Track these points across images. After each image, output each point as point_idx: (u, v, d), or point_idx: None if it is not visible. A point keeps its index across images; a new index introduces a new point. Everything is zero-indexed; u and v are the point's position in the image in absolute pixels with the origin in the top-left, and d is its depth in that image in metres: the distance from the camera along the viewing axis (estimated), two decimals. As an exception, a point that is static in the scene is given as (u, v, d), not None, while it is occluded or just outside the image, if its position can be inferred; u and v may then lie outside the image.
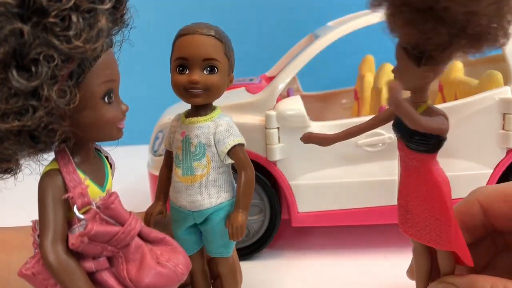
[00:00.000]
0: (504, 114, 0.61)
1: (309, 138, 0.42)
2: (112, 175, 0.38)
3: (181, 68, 0.41)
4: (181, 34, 0.41)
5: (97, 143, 0.37)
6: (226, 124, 0.43)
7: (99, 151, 0.38)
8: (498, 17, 0.31)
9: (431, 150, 0.37)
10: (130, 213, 0.35)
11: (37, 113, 0.28)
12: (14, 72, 0.27)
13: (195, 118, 0.43)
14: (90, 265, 0.33)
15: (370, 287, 0.58)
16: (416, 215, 0.39)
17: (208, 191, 0.42)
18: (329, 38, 0.66)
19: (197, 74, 0.40)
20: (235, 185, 0.44)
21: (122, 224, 0.34)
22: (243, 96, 0.67)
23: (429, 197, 0.37)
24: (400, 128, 0.38)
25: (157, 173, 0.70)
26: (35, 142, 0.30)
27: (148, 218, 0.44)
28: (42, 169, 0.33)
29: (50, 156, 0.34)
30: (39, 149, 0.31)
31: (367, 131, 0.42)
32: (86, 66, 0.30)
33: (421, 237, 0.39)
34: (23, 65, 0.27)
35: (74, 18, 0.27)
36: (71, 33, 0.27)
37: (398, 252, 0.65)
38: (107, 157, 0.38)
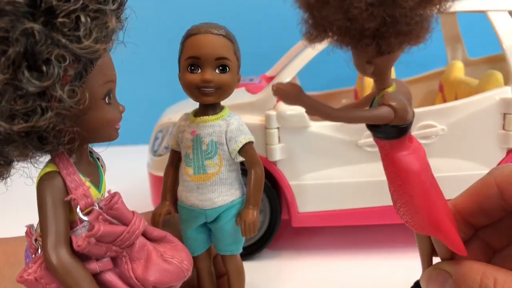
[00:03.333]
0: (504, 114, 0.61)
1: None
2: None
3: (192, 67, 0.41)
4: (191, 34, 0.41)
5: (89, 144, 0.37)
6: (237, 122, 0.43)
7: (91, 152, 0.37)
8: (389, 18, 0.30)
9: (388, 137, 0.36)
10: (133, 212, 0.35)
11: (48, 113, 0.28)
12: (26, 73, 0.26)
13: (206, 117, 0.43)
14: (94, 266, 0.33)
15: (370, 287, 0.58)
16: (392, 194, 0.39)
17: (220, 189, 0.43)
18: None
19: (210, 73, 0.41)
20: (243, 183, 0.45)
21: (125, 224, 0.34)
22: (243, 96, 0.67)
23: (394, 180, 0.37)
24: None
25: (156, 173, 0.71)
26: (43, 144, 0.30)
27: (157, 218, 0.44)
28: (29, 172, 0.33)
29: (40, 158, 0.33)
30: (46, 151, 0.30)
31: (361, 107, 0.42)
32: (89, 67, 0.30)
33: (401, 216, 0.39)
34: (35, 66, 0.27)
35: (82, 18, 0.27)
36: (81, 33, 0.27)
37: (398, 252, 0.65)
38: (98, 159, 0.38)
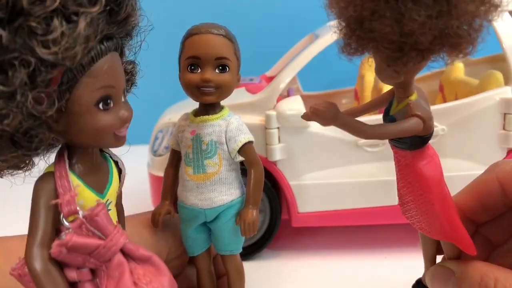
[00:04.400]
0: (505, 114, 0.61)
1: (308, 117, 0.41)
2: (121, 181, 0.36)
3: (192, 67, 0.41)
4: (191, 34, 0.41)
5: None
6: (237, 122, 0.43)
7: (110, 156, 0.36)
8: (441, 31, 0.29)
9: (411, 148, 0.36)
10: (115, 226, 0.33)
11: (16, 118, 0.27)
12: None
13: (206, 116, 0.43)
14: (73, 275, 0.32)
15: (370, 287, 0.58)
16: (407, 202, 0.39)
17: (220, 189, 0.43)
18: (329, 38, 0.66)
19: (210, 72, 0.41)
20: (243, 183, 0.45)
21: (107, 236, 0.32)
22: (243, 96, 0.67)
23: (414, 189, 0.37)
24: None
25: (157, 173, 0.71)
26: (16, 147, 0.29)
27: (157, 218, 0.44)
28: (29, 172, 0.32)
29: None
30: (22, 154, 0.29)
31: (370, 111, 0.41)
32: (79, 71, 0.29)
33: (414, 223, 0.39)
34: (0, 69, 0.26)
35: (56, 22, 0.26)
36: (50, 37, 0.26)
37: (398, 252, 0.65)
38: (117, 162, 0.36)
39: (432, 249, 0.42)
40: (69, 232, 0.31)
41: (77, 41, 0.27)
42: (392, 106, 0.37)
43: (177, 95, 0.78)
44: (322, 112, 0.31)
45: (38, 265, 0.30)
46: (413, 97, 0.35)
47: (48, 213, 0.31)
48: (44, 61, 0.27)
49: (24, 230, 0.42)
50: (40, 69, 0.27)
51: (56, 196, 0.31)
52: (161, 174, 0.69)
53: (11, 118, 0.27)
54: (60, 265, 0.32)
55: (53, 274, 0.31)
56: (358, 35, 0.31)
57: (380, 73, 0.34)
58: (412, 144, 0.35)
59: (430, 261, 0.43)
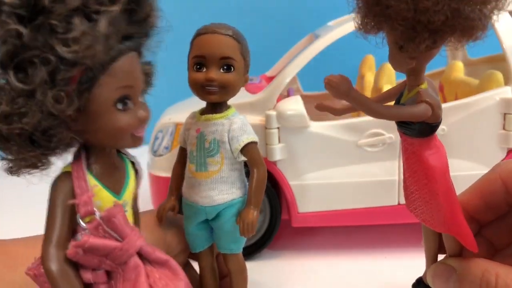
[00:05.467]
0: (505, 114, 0.61)
1: (321, 107, 0.41)
2: (138, 182, 0.36)
3: (198, 66, 0.42)
4: (199, 33, 0.42)
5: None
6: (241, 122, 0.44)
7: (127, 156, 0.36)
8: (453, 12, 0.30)
9: (419, 135, 0.36)
10: (133, 228, 0.33)
11: (35, 116, 0.27)
12: (11, 74, 0.26)
13: (211, 115, 0.44)
14: (88, 276, 0.32)
15: (370, 287, 0.58)
16: (412, 192, 0.39)
17: (221, 187, 0.43)
18: (329, 38, 0.66)
19: (214, 72, 0.41)
20: (247, 183, 0.45)
21: (124, 239, 0.32)
22: (243, 96, 0.67)
23: (419, 179, 0.38)
24: None
25: (157, 173, 0.71)
26: (34, 146, 0.29)
27: (161, 213, 0.45)
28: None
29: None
30: (40, 154, 0.29)
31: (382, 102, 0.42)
32: (99, 70, 0.29)
33: (418, 215, 0.40)
34: (21, 67, 0.26)
35: (77, 20, 0.26)
36: (71, 36, 0.26)
37: (398, 252, 0.65)
38: (133, 163, 0.36)
39: (434, 245, 0.43)
40: (85, 233, 0.31)
41: (97, 40, 0.27)
42: (403, 95, 0.38)
43: (177, 95, 0.78)
44: (336, 84, 0.32)
45: (54, 266, 0.30)
46: (424, 86, 0.36)
47: (65, 214, 0.31)
48: (64, 59, 0.27)
49: (27, 232, 0.41)
50: (60, 68, 0.27)
51: (73, 196, 0.31)
52: (161, 174, 0.70)
53: (30, 117, 0.27)
54: (76, 266, 0.32)
55: (69, 275, 0.31)
56: (374, 12, 0.32)
57: (393, 59, 0.35)
58: (420, 131, 0.36)
59: (432, 259, 0.43)
